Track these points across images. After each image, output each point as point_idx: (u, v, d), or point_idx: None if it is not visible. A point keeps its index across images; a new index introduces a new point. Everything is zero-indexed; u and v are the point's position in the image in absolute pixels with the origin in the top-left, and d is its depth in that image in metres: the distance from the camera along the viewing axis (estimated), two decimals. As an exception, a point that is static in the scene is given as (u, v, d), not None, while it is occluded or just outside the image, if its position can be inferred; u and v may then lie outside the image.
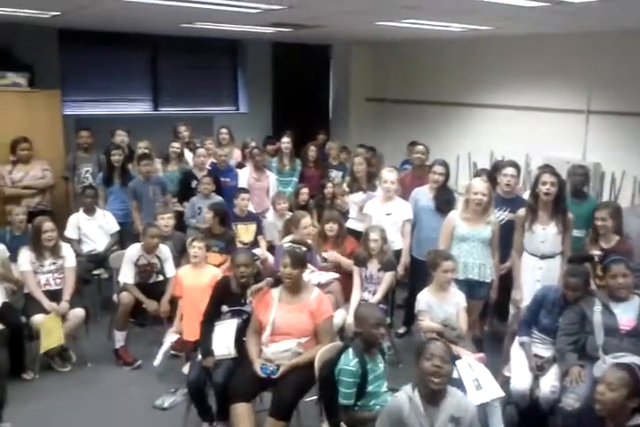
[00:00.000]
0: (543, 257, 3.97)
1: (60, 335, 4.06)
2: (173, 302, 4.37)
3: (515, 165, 4.60)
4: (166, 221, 4.77)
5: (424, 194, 4.71)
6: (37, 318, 4.03)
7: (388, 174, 4.68)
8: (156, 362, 3.90)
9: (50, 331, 4.03)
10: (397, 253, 4.57)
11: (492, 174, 4.72)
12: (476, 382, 3.27)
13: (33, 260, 4.22)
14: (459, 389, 3.17)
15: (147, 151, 5.82)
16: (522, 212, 4.04)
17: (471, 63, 7.04)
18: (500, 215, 4.34)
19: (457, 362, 3.40)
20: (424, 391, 2.53)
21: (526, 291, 3.97)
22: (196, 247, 4.19)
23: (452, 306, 3.67)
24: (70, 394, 3.94)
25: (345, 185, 5.44)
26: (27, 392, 3.84)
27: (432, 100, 7.52)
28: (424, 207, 4.63)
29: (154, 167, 5.57)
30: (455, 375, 3.33)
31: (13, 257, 4.31)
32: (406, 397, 2.54)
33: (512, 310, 4.15)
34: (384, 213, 4.64)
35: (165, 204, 5.49)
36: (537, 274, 3.97)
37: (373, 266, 4.30)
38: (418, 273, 4.39)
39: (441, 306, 3.66)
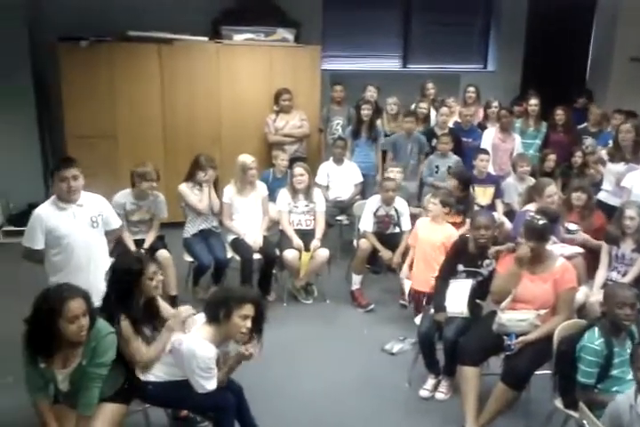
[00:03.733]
0: None
1: (304, 273, 4.50)
2: (406, 253, 4.54)
3: None
4: (395, 174, 4.96)
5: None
6: (289, 253, 4.48)
7: None
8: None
9: (305, 264, 4.51)
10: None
11: None
12: None
13: (289, 201, 4.68)
14: None
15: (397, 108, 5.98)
16: None
17: None
18: None
19: None
20: None
21: None
22: (431, 203, 4.26)
23: None
24: (310, 325, 4.37)
25: (604, 153, 4.98)
26: (275, 318, 4.24)
27: None
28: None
29: (415, 125, 5.73)
30: None
31: (273, 197, 4.80)
32: (627, 404, 2.34)
33: None
34: (648, 189, 4.18)
35: (420, 162, 5.70)
36: None
37: (627, 246, 3.93)
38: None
39: None
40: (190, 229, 4.53)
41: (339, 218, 5.41)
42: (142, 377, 2.82)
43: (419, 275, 4.13)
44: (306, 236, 4.61)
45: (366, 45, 7.52)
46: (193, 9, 6.21)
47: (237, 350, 2.85)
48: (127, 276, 2.83)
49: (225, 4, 6.39)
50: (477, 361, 3.25)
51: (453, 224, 4.66)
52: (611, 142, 5.09)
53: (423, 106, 6.07)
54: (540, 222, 3.31)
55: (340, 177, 5.46)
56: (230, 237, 4.61)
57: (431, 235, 4.18)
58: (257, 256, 4.51)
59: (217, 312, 2.73)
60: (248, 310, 2.72)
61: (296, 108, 6.04)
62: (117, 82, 5.81)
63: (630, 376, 2.86)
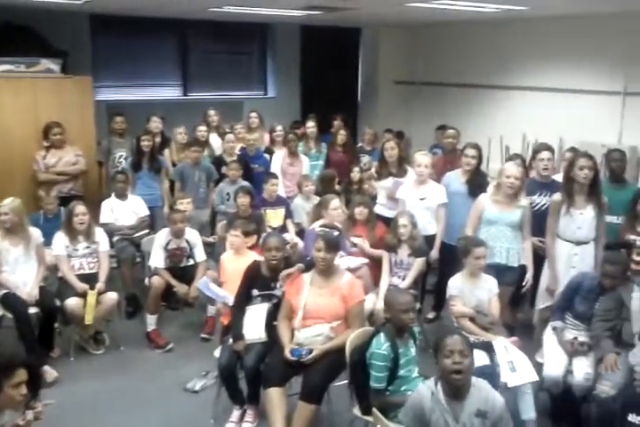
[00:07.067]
0: (579, 243, 3.89)
1: (90, 317, 4.11)
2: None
3: (549, 148, 4.52)
4: (185, 205, 4.89)
5: (456, 178, 4.64)
6: (71, 301, 4.09)
7: (422, 158, 4.59)
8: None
9: (91, 307, 4.11)
10: (430, 238, 4.50)
11: (530, 160, 4.65)
12: (510, 364, 3.24)
13: (67, 244, 4.30)
14: (491, 373, 3.18)
15: (185, 137, 5.92)
16: (557, 197, 3.96)
17: (503, 45, 6.89)
18: (539, 200, 4.27)
19: (493, 342, 3.39)
20: (446, 387, 2.45)
21: (560, 278, 3.89)
22: (232, 236, 4.22)
23: (484, 292, 3.62)
24: (103, 376, 4.02)
25: (373, 170, 5.39)
26: (61, 374, 3.92)
27: (462, 83, 7.39)
28: (456, 192, 4.56)
29: (202, 154, 5.69)
30: (485, 362, 3.32)
31: (46, 241, 4.37)
32: (429, 391, 2.49)
33: (541, 298, 4.08)
34: (418, 198, 4.56)
35: (210, 190, 5.66)
36: (572, 261, 3.90)
37: (403, 252, 4.26)
38: (448, 258, 4.34)
39: (473, 291, 3.61)
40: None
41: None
42: None
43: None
44: (90, 280, 4.25)
45: (143, 74, 7.36)
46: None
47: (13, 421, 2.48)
48: None
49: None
50: (281, 382, 3.24)
51: (248, 248, 4.68)
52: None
53: (202, 129, 6.06)
54: (335, 233, 3.46)
55: (125, 213, 5.15)
56: (0, 293, 4.07)
57: (237, 266, 4.12)
58: (34, 310, 4.04)
59: None
60: (20, 375, 2.38)
61: (69, 143, 5.62)
62: None
63: (415, 374, 3.07)
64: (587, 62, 6.11)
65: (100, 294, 4.20)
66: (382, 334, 2.98)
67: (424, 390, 2.51)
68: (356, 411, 3.07)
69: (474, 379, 2.50)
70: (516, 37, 6.71)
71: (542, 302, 4.07)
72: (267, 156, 6.12)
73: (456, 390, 2.44)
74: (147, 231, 5.12)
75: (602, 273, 3.42)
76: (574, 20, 6.00)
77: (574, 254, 3.90)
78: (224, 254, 4.35)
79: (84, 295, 4.14)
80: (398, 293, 3.23)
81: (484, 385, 2.53)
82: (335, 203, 4.61)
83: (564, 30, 6.21)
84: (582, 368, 3.31)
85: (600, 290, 3.42)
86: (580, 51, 6.11)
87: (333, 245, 3.39)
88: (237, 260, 4.19)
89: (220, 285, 4.18)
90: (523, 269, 4.07)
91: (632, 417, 2.52)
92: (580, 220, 3.86)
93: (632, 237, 3.91)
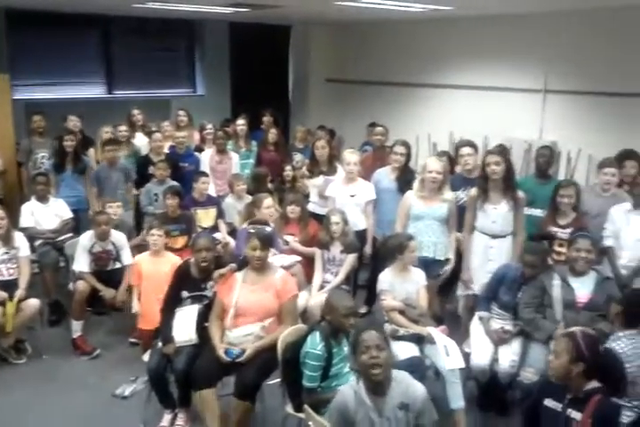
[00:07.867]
0: (495, 237, 3.98)
1: (10, 326, 3.95)
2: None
3: (470, 144, 4.64)
4: (114, 209, 4.73)
5: (385, 175, 4.71)
6: (-10, 310, 3.90)
7: (351, 156, 4.64)
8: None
9: (10, 315, 3.94)
10: (360, 234, 4.55)
11: (455, 156, 4.77)
12: (445, 348, 3.34)
13: (-17, 250, 4.09)
14: (420, 364, 3.26)
15: (112, 136, 5.71)
16: (473, 192, 4.06)
17: (430, 44, 7.04)
18: (463, 195, 4.35)
19: (429, 328, 3.48)
20: (368, 383, 2.44)
21: (478, 270, 4.00)
22: (155, 235, 4.12)
23: (413, 285, 3.68)
24: (27, 387, 3.85)
25: (305, 168, 5.39)
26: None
27: (391, 81, 7.51)
28: (385, 189, 4.63)
29: (118, 153, 5.51)
30: (415, 353, 3.38)
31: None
32: (352, 391, 2.48)
33: (460, 290, 4.20)
34: (348, 195, 4.61)
35: (128, 191, 5.46)
36: (489, 253, 3.99)
37: (336, 248, 4.30)
38: (379, 254, 4.39)
39: (402, 285, 3.67)
40: None
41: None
42: None
43: (147, 313, 3.93)
44: (10, 287, 4.05)
45: (65, 72, 7.08)
46: None
47: None
48: None
49: None
50: (212, 383, 3.19)
51: (179, 250, 4.59)
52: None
53: (122, 128, 5.90)
54: (268, 229, 3.42)
55: (47, 216, 4.92)
56: None
57: (155, 268, 4.05)
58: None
59: None
60: None
61: (-16, 145, 5.35)
62: None
63: (347, 369, 3.08)
64: (510, 61, 6.33)
65: (20, 301, 4.02)
66: (317, 334, 2.96)
67: (347, 391, 2.50)
68: (289, 408, 3.07)
69: (395, 372, 2.50)
70: (443, 37, 6.88)
71: (463, 290, 4.17)
72: (197, 154, 6.02)
73: (377, 386, 2.43)
74: (70, 235, 4.92)
75: (522, 263, 3.56)
76: (498, 20, 6.21)
77: (490, 247, 3.99)
78: (139, 256, 4.24)
79: (3, 304, 3.95)
80: (341, 296, 3.14)
81: (404, 378, 2.53)
82: (268, 202, 4.59)
83: (488, 30, 6.41)
84: (507, 356, 3.42)
85: (522, 280, 3.55)
86: (503, 50, 6.33)
87: (268, 243, 3.39)
88: (155, 261, 4.11)
89: (131, 287, 4.09)
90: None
91: (548, 402, 2.60)
92: (494, 214, 3.95)
93: (553, 228, 4.08)
